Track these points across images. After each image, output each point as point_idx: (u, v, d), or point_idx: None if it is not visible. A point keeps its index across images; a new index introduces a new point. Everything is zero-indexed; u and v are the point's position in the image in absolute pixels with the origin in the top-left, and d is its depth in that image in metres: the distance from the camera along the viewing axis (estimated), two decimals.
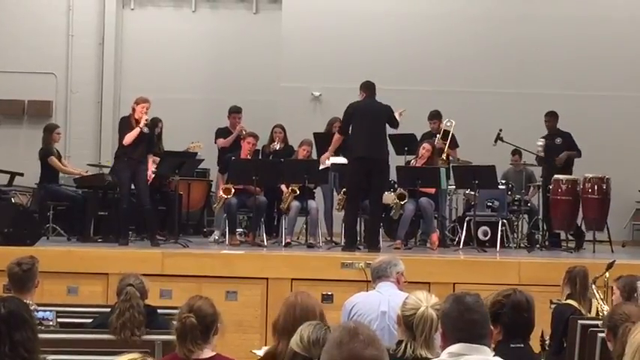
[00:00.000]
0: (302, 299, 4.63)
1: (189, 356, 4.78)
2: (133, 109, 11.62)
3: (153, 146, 12.01)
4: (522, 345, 4.62)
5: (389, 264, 6.60)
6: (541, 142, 13.08)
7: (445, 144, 13.02)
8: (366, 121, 11.41)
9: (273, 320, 4.67)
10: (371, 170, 11.36)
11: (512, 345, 4.53)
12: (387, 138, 11.81)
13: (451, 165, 13.05)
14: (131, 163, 11.52)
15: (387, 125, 11.67)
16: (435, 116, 13.43)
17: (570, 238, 12.87)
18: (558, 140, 13.11)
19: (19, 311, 4.08)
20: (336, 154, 12.25)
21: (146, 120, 11.50)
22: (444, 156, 12.90)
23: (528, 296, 4.71)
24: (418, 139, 13.24)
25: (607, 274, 8.04)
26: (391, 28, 16.10)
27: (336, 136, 11.85)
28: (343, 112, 11.69)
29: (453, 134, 13.20)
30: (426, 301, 4.76)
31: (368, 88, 11.68)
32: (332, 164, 12.19)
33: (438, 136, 13.11)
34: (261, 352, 5.50)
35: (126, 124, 11.66)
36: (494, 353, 4.18)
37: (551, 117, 13.28)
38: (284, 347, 4.19)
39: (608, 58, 15.68)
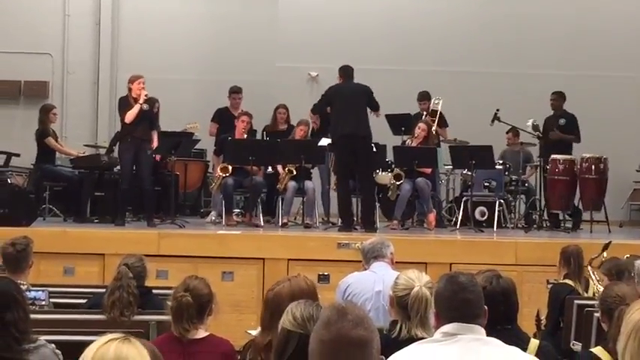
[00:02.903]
0: (275, 292, 4.49)
1: (185, 335, 4.78)
2: (129, 89, 11.59)
3: (155, 123, 11.96)
4: (510, 326, 4.59)
5: (383, 244, 6.60)
6: (529, 123, 13.04)
7: (434, 121, 13.02)
8: (347, 100, 11.48)
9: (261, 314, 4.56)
10: (356, 148, 11.38)
11: (498, 327, 4.50)
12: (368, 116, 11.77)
13: (448, 145, 13.06)
14: (134, 143, 11.48)
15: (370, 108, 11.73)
16: (425, 97, 13.46)
17: (568, 218, 12.87)
18: (562, 121, 13.12)
19: (9, 291, 4.06)
20: (327, 134, 12.29)
21: (146, 95, 11.46)
22: (433, 130, 12.91)
23: (505, 285, 4.65)
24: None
25: (604, 254, 8.01)
26: (386, 8, 16.05)
27: (311, 115, 12.05)
28: (323, 94, 11.73)
29: (441, 113, 13.21)
30: (419, 280, 4.73)
31: (346, 72, 11.78)
32: (329, 144, 12.18)
33: (424, 114, 13.14)
34: (255, 332, 5.46)
35: (125, 103, 11.63)
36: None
37: (558, 96, 13.29)
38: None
39: (605, 38, 15.63)
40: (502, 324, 4.52)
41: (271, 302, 4.36)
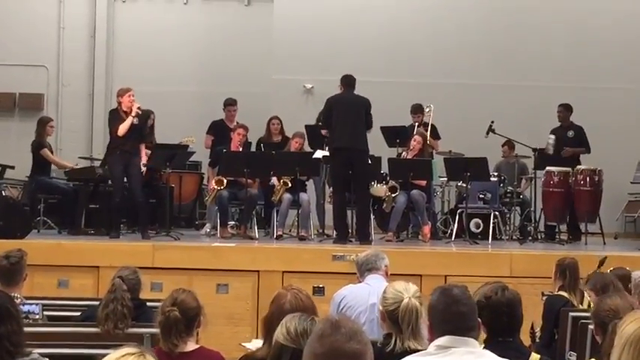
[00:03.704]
0: (293, 298, 4.52)
1: (174, 350, 4.75)
2: (119, 102, 11.60)
3: (144, 136, 11.96)
4: (511, 339, 4.57)
5: (377, 257, 6.59)
6: (552, 139, 13.03)
7: (427, 130, 13.04)
8: (346, 112, 11.44)
9: (264, 316, 4.58)
10: (352, 161, 11.36)
11: (499, 339, 4.49)
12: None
13: (443, 157, 13.07)
14: (123, 156, 11.47)
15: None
16: (418, 109, 13.48)
17: (564, 230, 12.88)
18: (570, 133, 13.11)
19: (3, 304, 4.04)
20: (322, 146, 12.30)
21: (138, 108, 11.45)
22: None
23: (511, 296, 4.63)
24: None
25: (601, 270, 7.99)
26: (382, 21, 16.08)
27: (323, 131, 11.90)
28: (323, 106, 11.70)
29: (434, 125, 13.23)
30: (407, 292, 4.70)
31: (347, 82, 11.69)
32: (324, 156, 12.19)
33: (416, 124, 13.17)
34: (250, 345, 5.46)
35: (116, 116, 11.61)
36: (483, 346, 4.17)
37: (564, 109, 13.27)
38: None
39: (600, 50, 15.67)
40: (504, 336, 4.50)
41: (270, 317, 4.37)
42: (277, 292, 4.63)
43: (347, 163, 11.41)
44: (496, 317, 4.45)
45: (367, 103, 11.57)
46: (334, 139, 11.52)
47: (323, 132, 11.94)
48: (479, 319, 3.81)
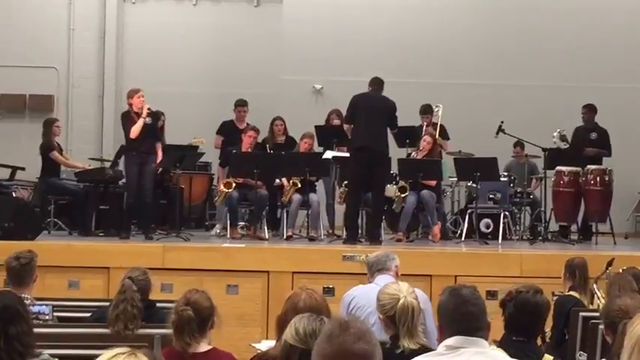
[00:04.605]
0: (307, 298, 4.54)
1: (187, 349, 4.77)
2: (130, 104, 11.62)
3: (159, 136, 11.97)
4: (525, 339, 4.57)
5: (388, 257, 6.60)
6: (556, 133, 12.96)
7: (435, 129, 13.03)
8: (370, 112, 11.35)
9: (278, 315, 4.59)
10: (372, 162, 11.30)
11: (514, 338, 4.49)
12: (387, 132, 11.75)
13: (453, 157, 13.06)
14: (140, 157, 11.47)
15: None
16: (427, 110, 13.45)
17: (574, 230, 12.86)
18: (593, 135, 13.05)
19: (13, 305, 4.06)
20: (332, 147, 12.27)
21: (149, 109, 11.46)
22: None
23: (539, 300, 4.64)
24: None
25: (609, 271, 7.97)
26: (392, 21, 16.08)
27: (346, 126, 11.84)
28: (349, 103, 11.64)
29: (442, 125, 13.20)
30: (401, 292, 4.74)
31: (375, 83, 11.65)
32: (333, 157, 12.18)
33: (425, 124, 13.15)
34: (260, 346, 5.48)
35: (128, 118, 11.63)
36: (497, 345, 4.17)
37: (589, 109, 13.21)
38: None
39: (610, 50, 15.66)
40: (520, 335, 4.50)
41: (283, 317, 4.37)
42: (292, 292, 4.65)
43: (366, 164, 11.33)
44: (518, 314, 4.47)
45: (392, 105, 11.49)
46: (356, 139, 11.44)
47: (345, 127, 11.86)
48: (489, 320, 3.80)
